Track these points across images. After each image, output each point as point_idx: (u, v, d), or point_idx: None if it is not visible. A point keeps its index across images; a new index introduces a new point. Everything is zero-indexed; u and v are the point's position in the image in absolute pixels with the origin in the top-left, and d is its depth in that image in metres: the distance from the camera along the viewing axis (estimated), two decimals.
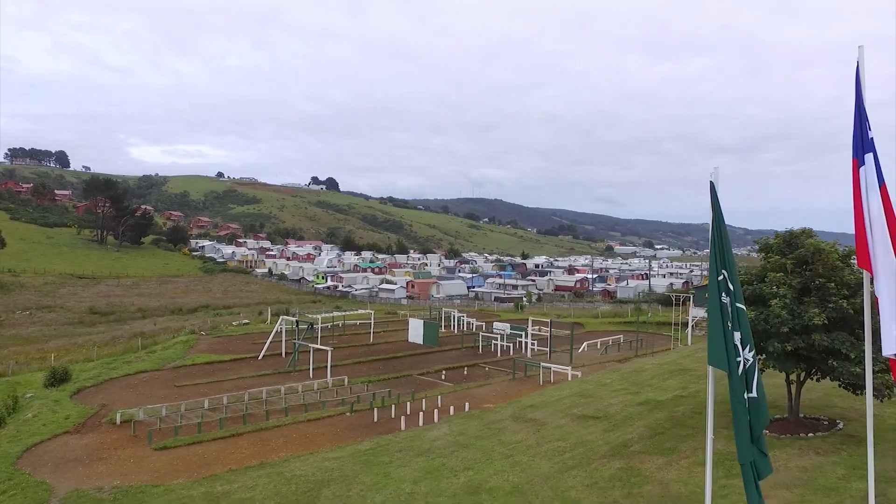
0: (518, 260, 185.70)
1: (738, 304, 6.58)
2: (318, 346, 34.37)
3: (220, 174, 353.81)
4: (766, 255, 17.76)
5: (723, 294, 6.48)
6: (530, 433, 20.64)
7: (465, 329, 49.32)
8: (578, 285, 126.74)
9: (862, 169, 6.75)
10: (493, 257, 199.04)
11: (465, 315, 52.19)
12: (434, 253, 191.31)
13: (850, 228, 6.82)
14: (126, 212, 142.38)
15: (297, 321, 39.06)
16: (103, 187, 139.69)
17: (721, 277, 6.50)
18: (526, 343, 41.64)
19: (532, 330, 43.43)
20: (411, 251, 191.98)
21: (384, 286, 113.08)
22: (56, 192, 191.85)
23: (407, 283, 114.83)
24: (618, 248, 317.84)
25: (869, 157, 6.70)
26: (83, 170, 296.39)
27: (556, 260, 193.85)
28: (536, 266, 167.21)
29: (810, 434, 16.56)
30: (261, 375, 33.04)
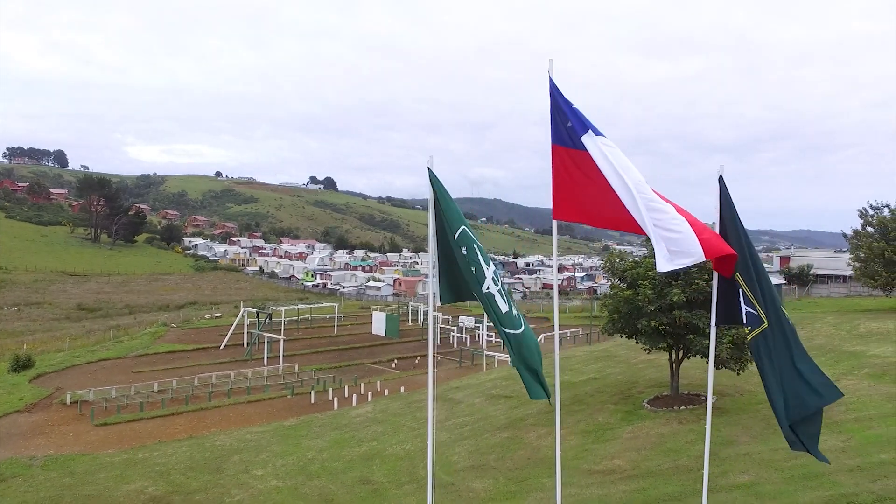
0: (510, 259, 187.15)
1: (475, 245, 7.82)
2: (272, 335, 35.90)
3: (218, 173, 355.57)
4: (646, 243, 19.34)
5: (462, 248, 7.76)
6: (444, 410, 22.11)
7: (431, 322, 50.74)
8: (565, 283, 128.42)
9: (589, 139, 8.08)
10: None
11: (430, 309, 53.61)
12: (426, 252, 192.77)
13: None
14: (120, 210, 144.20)
15: (257, 312, 40.62)
16: (97, 186, 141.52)
17: (459, 234, 7.76)
18: (481, 335, 43.17)
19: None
20: (404, 250, 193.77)
21: (371, 284, 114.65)
22: (52, 190, 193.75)
23: (394, 281, 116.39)
24: (615, 248, 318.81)
25: (590, 131, 8.06)
26: (81, 169, 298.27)
27: (550, 259, 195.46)
28: (527, 265, 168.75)
29: (683, 407, 18.07)
30: (218, 363, 34.55)
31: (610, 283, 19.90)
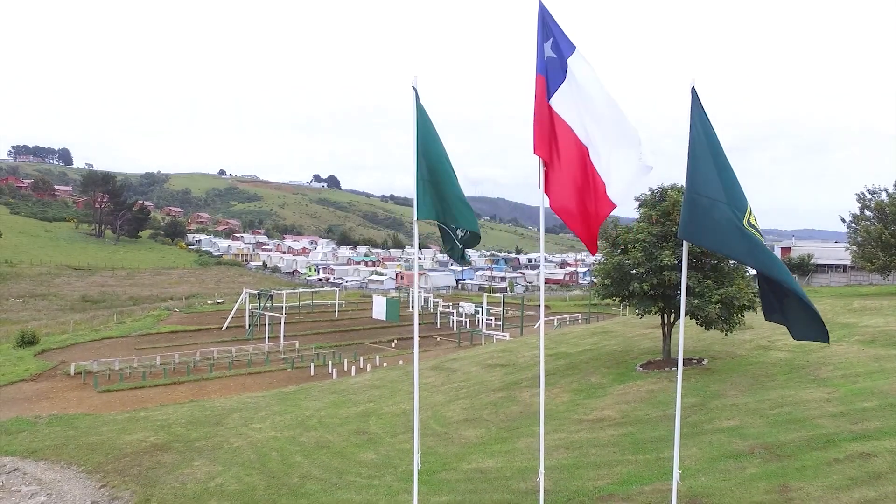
0: (512, 255, 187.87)
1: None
2: (274, 314, 36.31)
3: (221, 172, 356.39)
4: (640, 208, 19.67)
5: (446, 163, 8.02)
6: (441, 377, 22.47)
7: (431, 308, 51.29)
8: (567, 278, 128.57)
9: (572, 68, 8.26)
10: (490, 253, 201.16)
11: (430, 296, 54.19)
12: (429, 248, 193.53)
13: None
14: (124, 206, 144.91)
15: (258, 294, 41.03)
16: (101, 182, 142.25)
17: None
18: (480, 318, 43.56)
19: (497, 310, 45.19)
20: (407, 246, 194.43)
21: (374, 278, 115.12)
22: (56, 187, 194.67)
23: (396, 275, 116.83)
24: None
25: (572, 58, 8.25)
26: (86, 167, 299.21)
27: (555, 256, 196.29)
28: (529, 260, 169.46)
29: (674, 368, 18.40)
30: (220, 342, 34.95)
31: (603, 250, 20.19)
